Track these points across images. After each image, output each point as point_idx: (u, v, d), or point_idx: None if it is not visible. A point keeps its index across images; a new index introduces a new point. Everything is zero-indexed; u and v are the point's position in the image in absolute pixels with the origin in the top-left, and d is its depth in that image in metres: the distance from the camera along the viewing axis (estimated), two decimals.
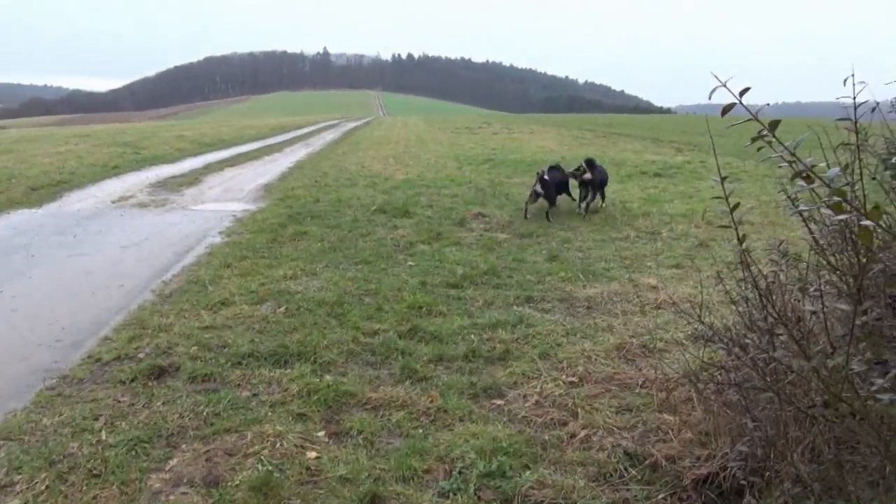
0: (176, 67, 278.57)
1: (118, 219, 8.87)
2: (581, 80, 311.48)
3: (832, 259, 1.47)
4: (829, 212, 1.06)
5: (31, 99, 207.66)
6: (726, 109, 1.46)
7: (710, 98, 1.47)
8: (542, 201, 8.79)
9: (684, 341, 4.38)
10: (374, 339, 4.51)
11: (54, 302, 5.43)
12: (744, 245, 1.82)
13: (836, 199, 1.02)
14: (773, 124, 1.49)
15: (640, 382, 3.74)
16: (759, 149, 1.74)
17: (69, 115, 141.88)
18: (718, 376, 2.76)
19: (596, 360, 4.17)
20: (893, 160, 2.79)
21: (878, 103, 2.61)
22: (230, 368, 4.02)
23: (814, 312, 1.65)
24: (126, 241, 7.56)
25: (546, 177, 8.72)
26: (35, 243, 7.50)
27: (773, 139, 1.55)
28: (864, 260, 1.24)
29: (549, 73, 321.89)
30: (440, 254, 6.84)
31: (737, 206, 1.79)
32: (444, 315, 5.01)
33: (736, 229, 1.79)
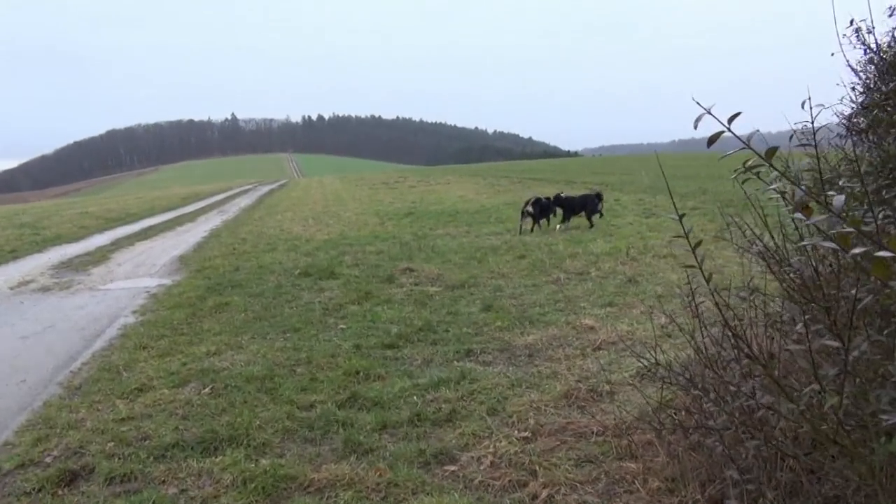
0: (76, 143, 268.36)
1: (17, 307, 8.16)
2: (490, 131, 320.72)
3: (816, 294, 1.40)
4: (831, 244, 0.96)
5: None
6: (713, 140, 1.37)
7: (695, 127, 1.38)
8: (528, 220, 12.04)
9: (631, 381, 4.32)
10: (310, 412, 4.21)
11: None
12: (711, 284, 1.73)
13: (847, 230, 0.94)
14: (770, 152, 1.41)
15: (595, 430, 3.61)
16: (744, 181, 1.67)
17: None
18: (677, 418, 2.65)
19: (546, 410, 4.03)
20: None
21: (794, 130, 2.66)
22: (153, 463, 3.62)
23: (785, 350, 1.56)
24: (27, 330, 6.93)
25: (532, 205, 11.99)
26: None
27: (770, 168, 1.47)
28: (856, 293, 1.17)
29: (460, 125, 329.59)
30: (372, 313, 6.61)
31: (699, 243, 1.71)
32: (384, 378, 4.77)
33: (701, 268, 1.70)
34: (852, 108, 2.52)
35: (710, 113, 1.31)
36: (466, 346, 5.39)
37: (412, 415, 4.05)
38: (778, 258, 1.92)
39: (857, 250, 0.90)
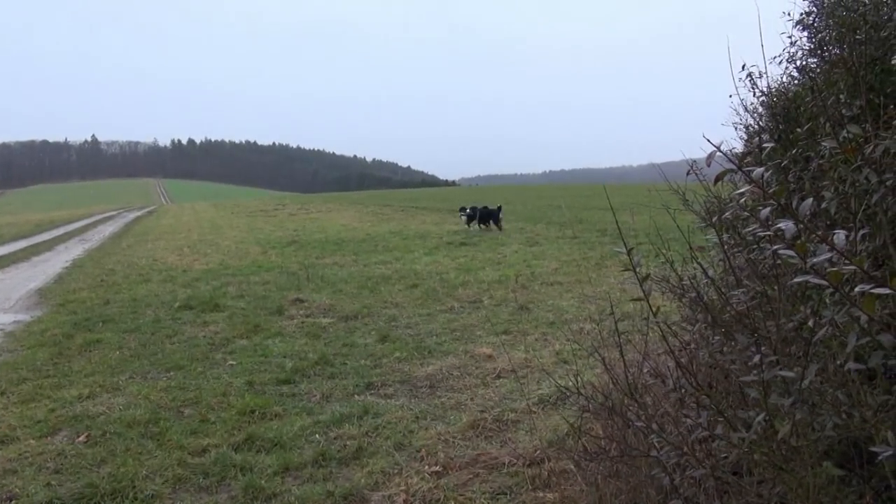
0: None
1: None
2: (369, 159, 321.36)
3: (766, 324, 1.46)
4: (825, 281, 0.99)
5: None
6: (720, 177, 1.39)
7: (708, 165, 1.39)
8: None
9: (535, 409, 4.38)
10: (204, 457, 3.91)
11: None
12: (656, 314, 1.77)
13: (848, 268, 0.97)
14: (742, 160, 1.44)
15: (507, 461, 3.60)
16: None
17: None
18: (597, 445, 2.69)
19: (454, 442, 3.98)
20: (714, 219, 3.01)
21: (694, 161, 2.83)
22: None
23: (736, 380, 1.61)
24: None
25: (469, 210, 17.95)
26: None
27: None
28: (814, 325, 1.22)
29: (338, 153, 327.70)
30: (263, 347, 6.31)
31: (647, 277, 1.74)
32: (281, 416, 4.54)
33: (647, 300, 1.73)
34: (746, 147, 2.71)
35: (720, 150, 1.34)
36: (366, 380, 5.26)
37: (316, 454, 3.87)
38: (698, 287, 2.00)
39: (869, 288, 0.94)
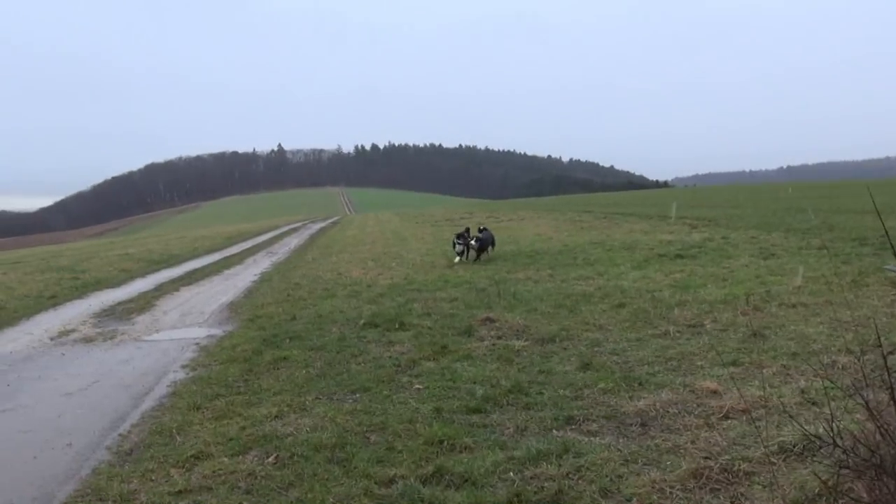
0: (113, 179, 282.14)
1: (59, 359, 8.46)
2: (566, 159, 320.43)
3: None
4: None
5: None
6: None
7: None
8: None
9: (774, 459, 4.07)
10: (391, 488, 4.13)
11: None
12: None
13: None
14: None
15: None
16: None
17: None
18: None
19: (672, 493, 3.82)
20: None
21: None
22: None
23: None
24: (70, 386, 7.14)
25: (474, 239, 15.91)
26: None
27: None
28: None
29: (530, 153, 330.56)
30: (451, 371, 6.53)
31: None
32: (472, 449, 4.66)
33: (878, 334, 1.54)
34: None
35: None
36: (566, 413, 5.23)
37: (510, 495, 3.92)
38: None
39: None
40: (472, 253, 15.84)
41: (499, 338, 7.80)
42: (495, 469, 4.30)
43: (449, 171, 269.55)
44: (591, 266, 13.58)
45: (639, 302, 9.21)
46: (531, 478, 4.16)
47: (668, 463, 4.24)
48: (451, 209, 63.16)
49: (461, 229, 16.75)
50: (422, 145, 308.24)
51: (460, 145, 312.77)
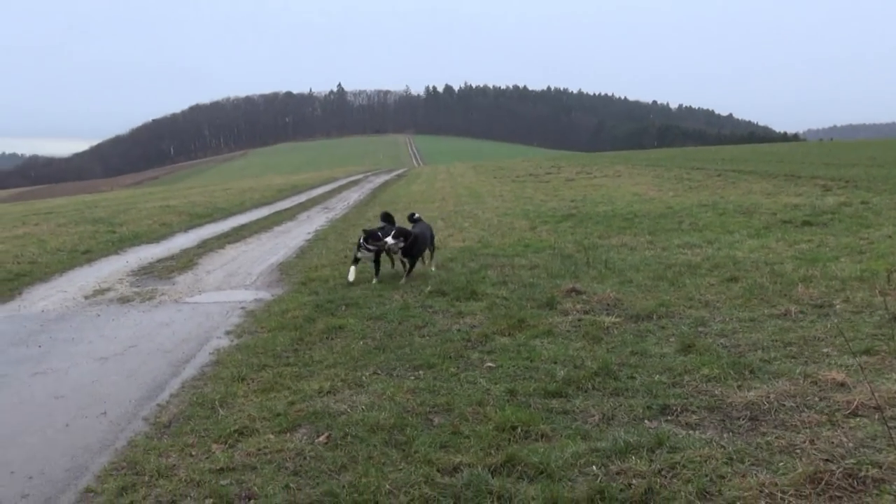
0: (154, 121, 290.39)
1: (94, 320, 8.88)
2: (673, 105, 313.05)
3: None
4: None
5: None
6: None
7: None
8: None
9: None
10: (454, 477, 4.22)
11: (17, 440, 5.30)
12: None
13: None
14: None
15: None
16: None
17: (25, 187, 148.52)
18: None
19: (784, 499, 3.79)
20: None
21: None
22: None
23: None
24: (105, 350, 7.51)
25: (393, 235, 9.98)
26: None
27: None
28: None
29: (631, 98, 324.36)
30: (528, 348, 6.58)
31: None
32: (549, 438, 4.71)
33: None
34: None
35: None
36: (661, 401, 5.22)
37: (592, 491, 3.95)
38: None
39: None
40: (397, 261, 10.74)
41: (585, 312, 7.78)
42: (575, 461, 4.33)
43: (534, 119, 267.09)
44: (698, 232, 13.35)
45: (754, 276, 9.02)
46: (617, 473, 4.18)
47: (781, 464, 4.19)
48: (536, 162, 62.84)
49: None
50: (503, 87, 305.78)
51: (548, 88, 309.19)
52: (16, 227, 21.33)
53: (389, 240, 9.83)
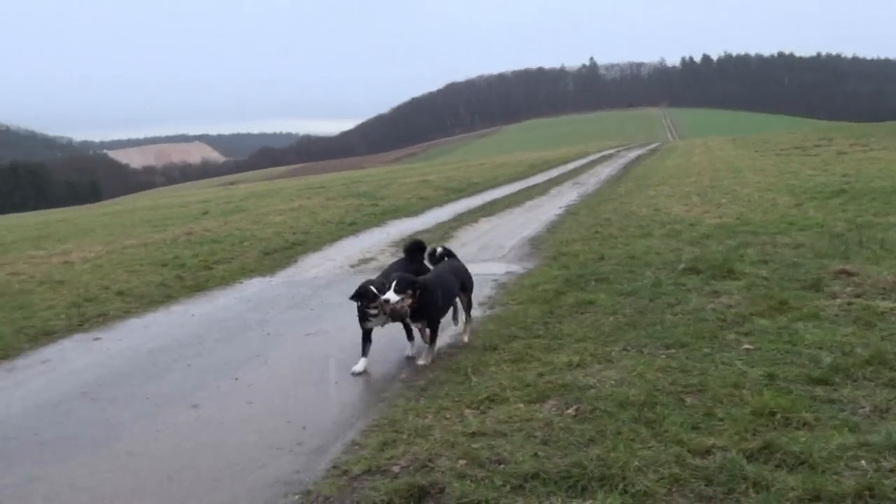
0: (413, 100, 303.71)
1: None
2: None
3: None
4: None
5: (260, 149, 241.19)
6: None
7: None
8: None
9: None
10: (707, 459, 4.11)
11: (293, 393, 5.87)
12: None
13: None
14: None
15: None
16: None
17: (299, 164, 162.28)
18: None
19: None
20: None
21: None
22: (509, 494, 3.89)
23: None
24: None
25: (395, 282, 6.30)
26: (270, 319, 8.30)
27: None
28: None
29: None
30: (790, 332, 6.22)
31: None
32: (812, 427, 4.44)
33: None
34: None
35: None
36: None
37: (859, 487, 3.69)
38: None
39: None
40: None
41: (857, 296, 7.21)
42: (842, 454, 4.06)
43: (800, 88, 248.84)
44: None
45: None
46: (890, 470, 3.87)
47: None
48: (802, 135, 58.63)
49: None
50: (767, 55, 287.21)
51: (818, 54, 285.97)
52: (291, 200, 23.40)
53: (391, 295, 6.15)
